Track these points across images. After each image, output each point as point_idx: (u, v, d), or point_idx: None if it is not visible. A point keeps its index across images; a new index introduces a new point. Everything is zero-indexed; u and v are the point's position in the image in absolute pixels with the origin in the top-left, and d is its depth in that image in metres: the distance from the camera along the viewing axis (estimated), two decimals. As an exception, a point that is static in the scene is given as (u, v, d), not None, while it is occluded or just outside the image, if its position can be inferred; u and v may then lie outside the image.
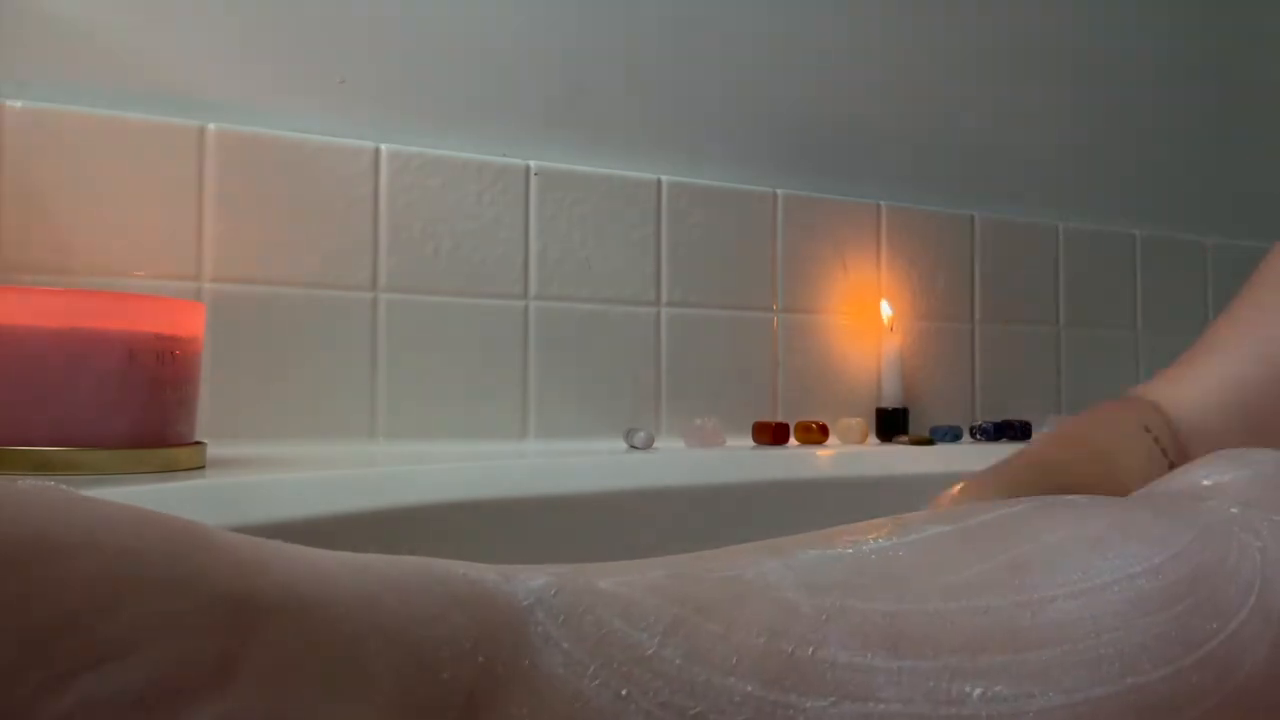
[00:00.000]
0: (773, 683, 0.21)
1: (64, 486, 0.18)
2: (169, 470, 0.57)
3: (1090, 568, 0.25)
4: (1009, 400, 1.16)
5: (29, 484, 0.17)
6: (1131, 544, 0.26)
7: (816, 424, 0.94)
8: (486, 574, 0.22)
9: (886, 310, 1.07)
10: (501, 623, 0.20)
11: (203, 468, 0.60)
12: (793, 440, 0.93)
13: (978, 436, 1.04)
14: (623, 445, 0.87)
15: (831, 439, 0.95)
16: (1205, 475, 0.31)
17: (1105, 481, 0.39)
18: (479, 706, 0.19)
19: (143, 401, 0.56)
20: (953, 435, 1.01)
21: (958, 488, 0.38)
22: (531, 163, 0.92)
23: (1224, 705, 0.24)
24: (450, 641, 0.19)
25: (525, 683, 0.20)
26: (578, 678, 0.20)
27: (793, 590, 0.23)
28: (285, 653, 0.18)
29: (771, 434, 0.91)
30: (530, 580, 0.22)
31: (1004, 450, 0.97)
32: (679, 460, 0.81)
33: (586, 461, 0.77)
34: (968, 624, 0.23)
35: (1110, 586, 0.25)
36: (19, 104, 0.74)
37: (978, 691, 0.22)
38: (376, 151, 0.86)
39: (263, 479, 0.57)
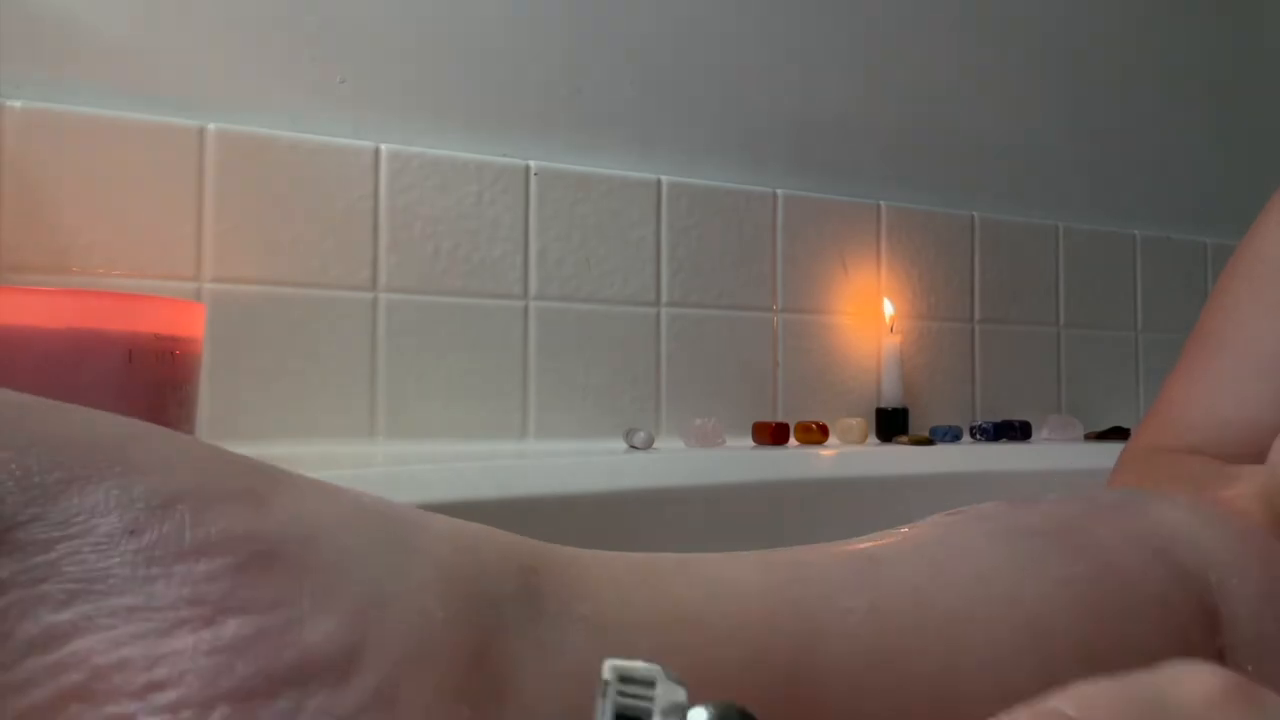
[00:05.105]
0: (762, 706, 0.21)
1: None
2: (169, 470, 0.57)
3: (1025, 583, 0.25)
4: (1009, 400, 1.16)
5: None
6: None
7: (816, 424, 0.94)
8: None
9: (889, 308, 1.07)
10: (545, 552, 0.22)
11: (203, 468, 0.60)
12: (793, 440, 0.93)
13: (978, 436, 1.04)
14: (623, 445, 0.87)
15: (831, 439, 0.95)
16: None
17: None
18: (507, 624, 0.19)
19: (143, 401, 0.56)
20: (953, 435, 1.01)
21: None
22: (531, 163, 0.92)
23: None
24: (500, 550, 0.21)
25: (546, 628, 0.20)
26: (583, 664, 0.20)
27: (789, 615, 0.23)
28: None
29: (771, 434, 0.91)
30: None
31: (1004, 450, 0.98)
32: (679, 460, 0.81)
33: (586, 461, 0.77)
34: (959, 642, 0.23)
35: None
36: (19, 104, 0.74)
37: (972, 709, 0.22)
38: (376, 151, 0.86)
39: (263, 479, 0.57)
